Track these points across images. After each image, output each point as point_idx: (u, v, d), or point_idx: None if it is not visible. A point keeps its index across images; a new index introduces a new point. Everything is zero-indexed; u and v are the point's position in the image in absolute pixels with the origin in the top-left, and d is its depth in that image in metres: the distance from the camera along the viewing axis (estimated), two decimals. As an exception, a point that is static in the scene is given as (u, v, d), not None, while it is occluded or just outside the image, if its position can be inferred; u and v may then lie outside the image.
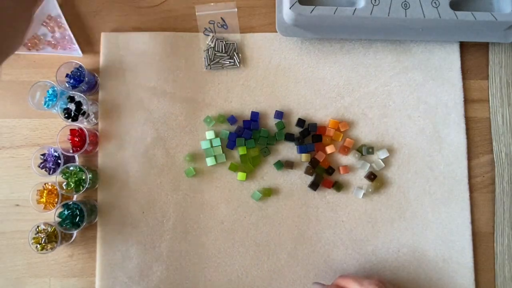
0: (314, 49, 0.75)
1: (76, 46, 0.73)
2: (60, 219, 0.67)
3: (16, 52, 0.73)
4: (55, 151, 0.70)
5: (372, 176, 0.71)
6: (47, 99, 0.70)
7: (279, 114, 0.72)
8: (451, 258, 0.71)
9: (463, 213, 0.72)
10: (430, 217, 0.72)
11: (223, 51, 0.74)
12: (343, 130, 0.72)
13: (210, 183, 0.72)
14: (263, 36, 0.75)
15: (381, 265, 0.71)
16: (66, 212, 0.67)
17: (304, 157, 0.72)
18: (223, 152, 0.72)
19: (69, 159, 0.71)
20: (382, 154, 0.72)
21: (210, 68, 0.74)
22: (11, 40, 0.56)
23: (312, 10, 0.68)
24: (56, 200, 0.69)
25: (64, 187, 0.68)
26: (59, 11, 0.74)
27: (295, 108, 0.74)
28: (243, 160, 0.72)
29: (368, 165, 0.72)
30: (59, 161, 0.69)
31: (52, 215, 0.67)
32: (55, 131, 0.73)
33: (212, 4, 0.75)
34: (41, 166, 0.69)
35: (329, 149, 0.71)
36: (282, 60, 0.75)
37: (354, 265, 0.71)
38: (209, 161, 0.71)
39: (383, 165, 0.72)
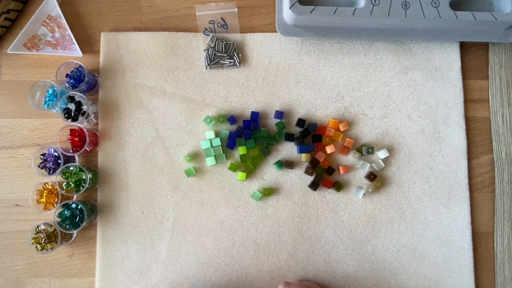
0: (314, 49, 0.75)
1: (76, 46, 0.73)
2: (60, 219, 0.67)
3: (16, 52, 0.73)
4: (55, 151, 0.70)
5: (372, 176, 0.71)
6: (47, 99, 0.70)
7: (279, 114, 0.72)
8: (451, 258, 0.71)
9: (463, 213, 0.72)
10: (430, 217, 0.72)
11: (223, 51, 0.74)
12: (343, 130, 0.72)
13: (210, 183, 0.72)
14: (263, 36, 0.75)
15: (381, 265, 0.71)
16: (66, 212, 0.67)
17: (304, 157, 0.71)
18: (223, 152, 0.72)
19: (69, 159, 0.71)
20: (382, 154, 0.72)
21: (210, 68, 0.74)
22: None
23: (312, 10, 0.68)
24: (56, 200, 0.69)
25: (64, 187, 0.68)
26: (59, 11, 0.74)
27: (295, 108, 0.74)
28: (243, 160, 0.72)
29: (368, 165, 0.72)
30: (59, 161, 0.69)
31: (52, 215, 0.67)
32: (55, 131, 0.73)
33: (212, 4, 0.75)
34: (41, 166, 0.69)
35: (329, 149, 0.71)
36: (282, 60, 0.75)
37: (354, 265, 0.71)
38: (209, 161, 0.71)
39: (383, 165, 0.72)
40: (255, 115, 0.72)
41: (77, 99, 0.69)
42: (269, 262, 0.71)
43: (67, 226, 0.67)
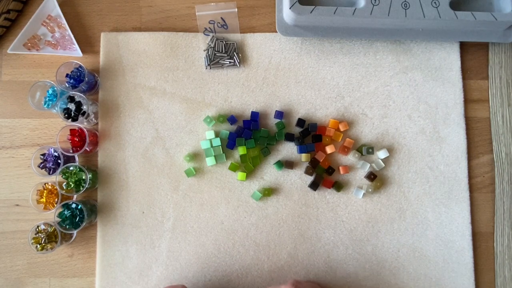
0: (314, 49, 0.75)
1: (76, 46, 0.73)
2: (60, 219, 0.67)
3: (16, 52, 0.73)
4: (55, 151, 0.70)
5: (372, 176, 0.71)
6: (47, 99, 0.70)
7: (279, 114, 0.72)
8: (451, 258, 0.71)
9: (463, 213, 0.72)
10: (430, 217, 0.72)
11: (223, 51, 0.74)
12: (343, 130, 0.72)
13: (210, 183, 0.72)
14: (263, 36, 0.75)
15: (381, 265, 0.71)
16: (66, 212, 0.67)
17: (304, 157, 0.71)
18: (223, 152, 0.72)
19: (69, 159, 0.71)
20: (382, 154, 0.72)
21: (210, 68, 0.74)
22: None
23: (312, 10, 0.68)
24: (56, 200, 0.69)
25: (64, 187, 0.68)
26: (59, 11, 0.74)
27: (295, 108, 0.74)
28: (243, 160, 0.72)
29: (368, 165, 0.72)
30: (59, 161, 0.69)
31: (52, 215, 0.67)
32: (55, 131, 0.73)
33: (212, 4, 0.75)
34: (41, 166, 0.69)
35: (329, 149, 0.71)
36: (282, 60, 0.75)
37: (354, 265, 0.71)
38: (209, 161, 0.71)
39: (383, 165, 0.72)
40: (255, 115, 0.72)
41: (77, 99, 0.69)
42: (269, 262, 0.71)
43: (67, 226, 0.67)
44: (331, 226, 0.71)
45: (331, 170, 0.72)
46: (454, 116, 0.74)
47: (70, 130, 0.70)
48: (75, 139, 0.69)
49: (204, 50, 0.74)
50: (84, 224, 0.66)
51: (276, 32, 0.73)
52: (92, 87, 0.73)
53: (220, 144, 0.71)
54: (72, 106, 0.69)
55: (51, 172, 0.69)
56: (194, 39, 0.75)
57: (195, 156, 0.72)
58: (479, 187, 0.73)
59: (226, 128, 0.73)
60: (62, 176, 0.68)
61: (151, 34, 0.75)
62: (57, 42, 0.74)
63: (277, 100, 0.74)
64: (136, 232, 0.71)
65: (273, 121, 0.73)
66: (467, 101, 0.75)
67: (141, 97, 0.73)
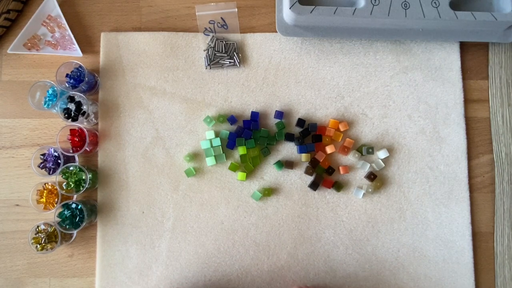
0: (314, 49, 0.75)
1: (76, 46, 0.73)
2: (60, 219, 0.67)
3: (16, 52, 0.73)
4: (55, 151, 0.70)
5: (372, 176, 0.71)
6: (47, 99, 0.70)
7: (279, 114, 0.72)
8: (451, 258, 0.71)
9: (463, 213, 0.72)
10: (430, 217, 0.72)
11: (223, 51, 0.74)
12: (343, 130, 0.72)
13: (210, 183, 0.72)
14: (263, 36, 0.75)
15: (381, 265, 0.71)
16: (66, 212, 0.67)
17: (304, 157, 0.72)
18: (223, 152, 0.72)
19: (69, 159, 0.71)
20: (382, 154, 0.72)
21: (210, 68, 0.74)
22: None
23: (312, 10, 0.68)
24: (56, 200, 0.69)
25: (64, 187, 0.68)
26: (59, 11, 0.74)
27: (295, 108, 0.74)
28: (243, 160, 0.72)
29: (368, 165, 0.72)
30: (59, 161, 0.69)
31: (52, 215, 0.67)
32: (55, 131, 0.73)
33: (212, 4, 0.75)
34: (41, 166, 0.69)
35: (329, 149, 0.71)
36: (282, 60, 0.75)
37: (354, 265, 0.71)
38: (209, 161, 0.71)
39: (383, 165, 0.72)
40: (255, 115, 0.72)
41: (77, 99, 0.69)
42: (269, 262, 0.71)
43: (67, 226, 0.67)
44: (331, 226, 0.71)
45: (331, 170, 0.72)
46: (454, 116, 0.74)
47: (70, 130, 0.70)
48: (75, 139, 0.69)
49: (204, 50, 0.74)
50: (84, 224, 0.66)
51: (276, 32, 0.73)
52: (92, 87, 0.73)
53: (220, 144, 0.71)
54: (72, 106, 0.69)
55: (51, 172, 0.69)
56: (194, 39, 0.75)
57: (195, 156, 0.72)
58: (479, 187, 0.73)
59: (226, 128, 0.73)
60: (62, 176, 0.68)
61: (151, 34, 0.75)
62: (57, 42, 0.74)
63: (277, 100, 0.74)
64: (136, 232, 0.71)
65: (273, 121, 0.73)
66: (467, 101, 0.75)
67: (141, 97, 0.73)
